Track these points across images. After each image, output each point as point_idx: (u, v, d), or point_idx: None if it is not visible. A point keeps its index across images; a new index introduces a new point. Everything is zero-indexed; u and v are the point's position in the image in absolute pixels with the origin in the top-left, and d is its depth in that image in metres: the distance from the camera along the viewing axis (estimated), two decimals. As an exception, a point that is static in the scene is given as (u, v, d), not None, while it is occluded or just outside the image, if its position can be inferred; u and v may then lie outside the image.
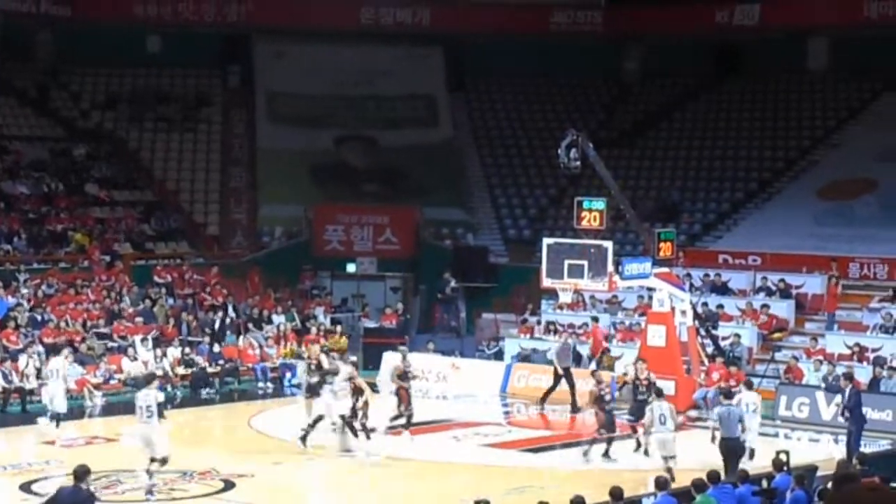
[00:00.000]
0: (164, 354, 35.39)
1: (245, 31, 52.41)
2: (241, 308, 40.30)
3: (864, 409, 27.53)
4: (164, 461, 23.15)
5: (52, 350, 32.75)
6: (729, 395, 25.13)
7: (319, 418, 27.20)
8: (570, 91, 53.97)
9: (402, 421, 28.31)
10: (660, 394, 25.54)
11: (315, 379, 28.08)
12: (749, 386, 26.96)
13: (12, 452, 26.32)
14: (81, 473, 15.64)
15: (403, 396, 28.42)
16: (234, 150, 50.39)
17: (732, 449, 23.45)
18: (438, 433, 29.06)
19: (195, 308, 39.60)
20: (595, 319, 36.89)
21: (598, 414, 26.49)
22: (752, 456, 24.97)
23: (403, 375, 28.70)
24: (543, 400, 32.72)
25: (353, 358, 30.34)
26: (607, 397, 26.67)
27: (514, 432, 30.16)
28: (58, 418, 29.23)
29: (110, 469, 24.67)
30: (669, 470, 22.84)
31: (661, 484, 17.86)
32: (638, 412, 26.85)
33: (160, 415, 23.28)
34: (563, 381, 32.52)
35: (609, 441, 26.40)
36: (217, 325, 38.24)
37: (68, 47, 50.92)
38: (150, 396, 23.54)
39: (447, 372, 35.87)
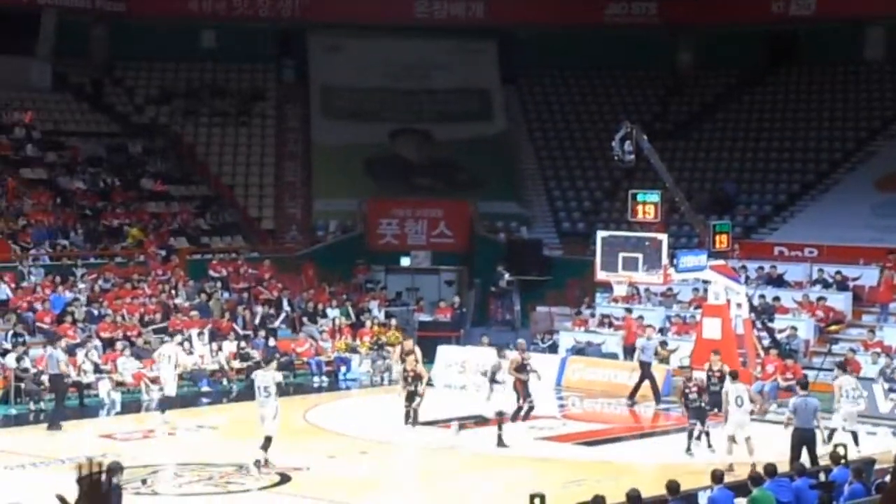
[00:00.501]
0: (220, 348, 35.54)
1: (299, 26, 52.57)
2: (296, 302, 40.43)
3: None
4: (267, 440, 24.33)
5: (165, 335, 34.33)
6: (805, 385, 25.08)
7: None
8: (625, 83, 53.76)
9: (523, 412, 28.76)
10: (735, 376, 25.34)
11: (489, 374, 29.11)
12: (844, 369, 27.15)
13: (70, 445, 26.50)
14: (114, 468, 15.66)
15: (520, 389, 28.59)
16: (288, 144, 50.55)
17: (805, 439, 23.42)
18: (494, 427, 29.00)
19: (250, 302, 39.77)
20: (629, 311, 36.94)
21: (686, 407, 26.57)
22: (856, 441, 25.67)
23: (521, 368, 28.87)
24: (633, 395, 32.42)
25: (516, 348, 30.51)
26: (692, 395, 26.47)
27: (568, 425, 30.10)
28: (165, 407, 30.01)
29: (167, 462, 24.81)
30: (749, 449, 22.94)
31: (717, 477, 17.78)
32: (714, 404, 27.02)
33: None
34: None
35: (690, 435, 26.36)
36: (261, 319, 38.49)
37: (123, 43, 51.23)
38: (267, 377, 24.94)
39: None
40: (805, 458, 22.76)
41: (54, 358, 29.86)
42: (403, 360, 29.43)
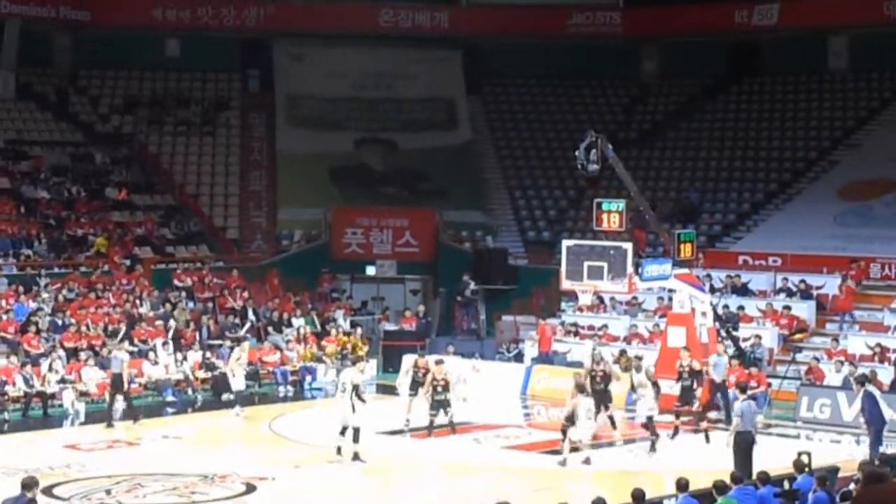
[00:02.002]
0: (185, 358, 35.43)
1: (264, 35, 52.50)
2: (261, 311, 40.36)
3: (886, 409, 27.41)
4: (344, 430, 26.03)
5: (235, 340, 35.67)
6: (744, 389, 25.13)
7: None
8: (589, 92, 53.94)
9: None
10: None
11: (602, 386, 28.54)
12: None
13: (34, 456, 26.36)
14: (29, 483, 15.56)
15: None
16: (253, 153, 50.46)
17: (749, 442, 23.46)
18: (459, 435, 29.01)
19: (215, 312, 39.67)
20: (544, 318, 37.81)
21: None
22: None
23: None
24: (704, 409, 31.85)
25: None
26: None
27: (534, 434, 30.11)
28: (236, 401, 31.30)
29: (131, 472, 24.72)
30: None
31: (681, 486, 17.82)
32: (684, 398, 28.44)
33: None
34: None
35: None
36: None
37: (87, 52, 51.12)
38: (346, 374, 26.54)
39: (467, 374, 35.82)
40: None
41: (118, 359, 31.00)
42: (424, 374, 29.16)
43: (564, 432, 25.94)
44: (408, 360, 34.94)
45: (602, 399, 28.04)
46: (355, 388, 26.04)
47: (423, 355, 32.18)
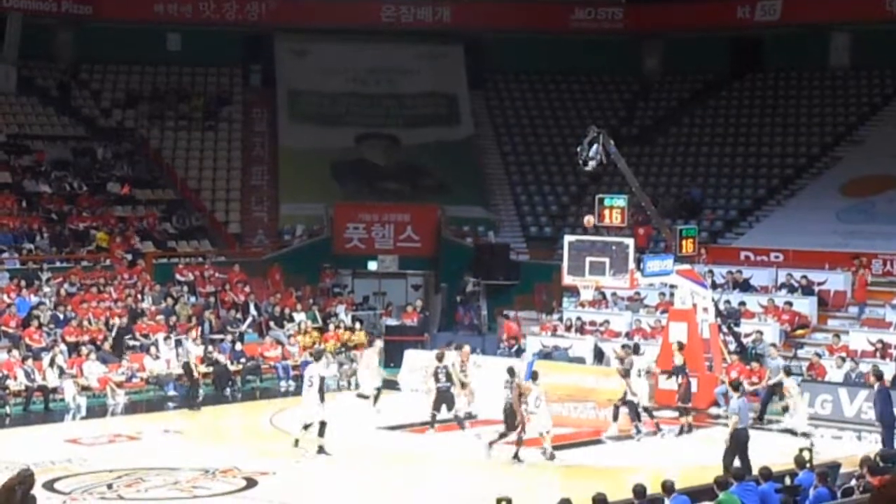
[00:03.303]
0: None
1: (266, 30, 52.50)
2: (263, 306, 40.36)
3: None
4: (308, 426, 26.41)
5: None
6: (737, 387, 25.17)
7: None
8: (591, 88, 53.96)
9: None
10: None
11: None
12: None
13: (36, 450, 26.36)
14: (26, 478, 15.51)
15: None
16: (255, 148, 50.48)
17: (746, 438, 23.51)
18: (461, 430, 29.00)
19: (217, 306, 39.67)
20: (506, 316, 39.34)
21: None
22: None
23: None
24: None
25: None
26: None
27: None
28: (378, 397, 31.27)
29: (133, 467, 24.73)
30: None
31: (667, 488, 17.75)
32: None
33: None
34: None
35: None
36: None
37: (89, 46, 51.13)
38: (312, 369, 27.02)
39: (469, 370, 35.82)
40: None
41: (185, 348, 33.52)
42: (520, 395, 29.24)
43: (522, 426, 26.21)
44: (411, 357, 34.99)
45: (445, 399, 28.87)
46: (322, 380, 26.64)
47: (454, 348, 32.14)
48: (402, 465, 26.21)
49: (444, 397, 28.84)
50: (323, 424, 26.34)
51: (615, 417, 28.71)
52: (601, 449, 27.75)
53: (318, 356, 28.33)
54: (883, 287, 37.77)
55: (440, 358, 29.41)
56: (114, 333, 35.54)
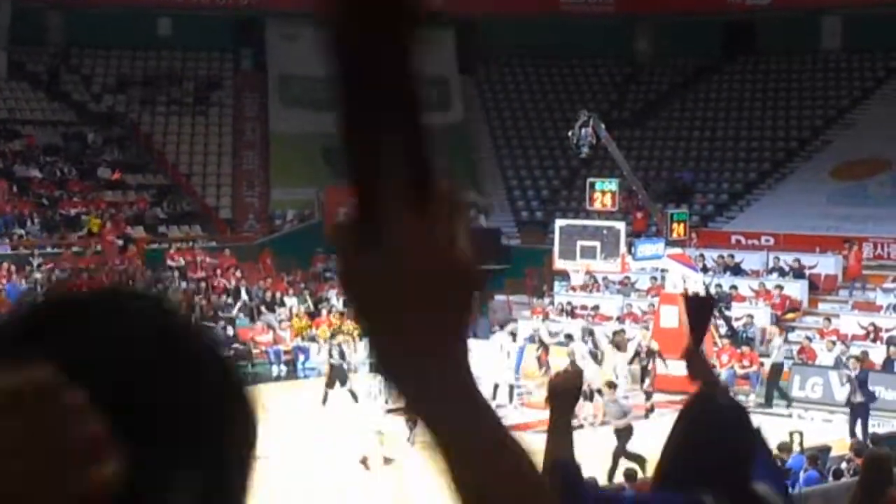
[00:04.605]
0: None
1: (257, 14, 52.38)
2: (254, 291, 40.34)
3: (879, 389, 27.54)
4: None
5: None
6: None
7: None
8: (582, 72, 53.92)
9: None
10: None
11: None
12: None
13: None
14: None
15: None
16: (246, 133, 50.43)
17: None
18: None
19: (208, 291, 39.66)
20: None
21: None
22: None
23: None
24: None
25: None
26: None
27: (525, 414, 30.10)
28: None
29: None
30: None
31: (629, 477, 17.72)
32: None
33: None
34: None
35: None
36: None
37: (79, 31, 50.93)
38: None
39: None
40: None
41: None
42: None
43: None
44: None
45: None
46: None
47: None
48: (397, 448, 26.21)
49: None
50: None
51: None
52: (596, 432, 27.73)
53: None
54: (874, 270, 37.83)
55: None
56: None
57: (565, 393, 4.68)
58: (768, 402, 30.18)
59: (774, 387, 30.85)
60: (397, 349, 1.29)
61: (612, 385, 27.43)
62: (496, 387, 31.03)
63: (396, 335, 1.28)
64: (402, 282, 1.25)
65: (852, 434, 25.95)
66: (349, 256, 1.29)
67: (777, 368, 31.13)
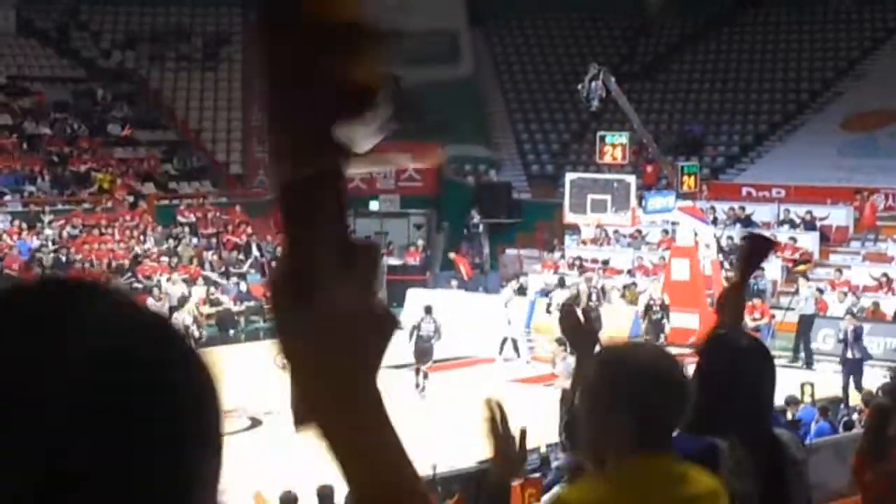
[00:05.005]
0: (190, 294, 35.43)
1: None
2: (265, 247, 40.37)
3: (889, 340, 27.56)
4: None
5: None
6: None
7: None
8: (593, 25, 53.70)
9: None
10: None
11: None
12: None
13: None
14: None
15: None
16: (255, 88, 50.23)
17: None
18: (462, 369, 29.12)
19: (219, 247, 39.71)
20: (456, 251, 40.13)
21: None
22: None
23: None
24: None
25: None
26: None
27: (537, 367, 30.21)
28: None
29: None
30: None
31: None
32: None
33: None
34: None
35: None
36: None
37: (88, -13, 50.87)
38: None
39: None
40: None
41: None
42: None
43: None
44: (414, 296, 35.05)
45: None
46: None
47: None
48: (407, 402, 26.34)
49: (422, 349, 28.26)
50: None
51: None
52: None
53: None
54: (886, 221, 37.78)
55: (428, 311, 29.00)
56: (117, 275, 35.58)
57: (584, 336, 4.67)
58: (795, 355, 30.11)
59: (803, 338, 30.76)
60: (319, 387, 1.60)
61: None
62: (504, 340, 31.00)
63: (320, 377, 1.59)
64: (331, 330, 1.52)
65: (845, 390, 25.96)
66: (284, 313, 1.54)
67: (808, 320, 31.00)
